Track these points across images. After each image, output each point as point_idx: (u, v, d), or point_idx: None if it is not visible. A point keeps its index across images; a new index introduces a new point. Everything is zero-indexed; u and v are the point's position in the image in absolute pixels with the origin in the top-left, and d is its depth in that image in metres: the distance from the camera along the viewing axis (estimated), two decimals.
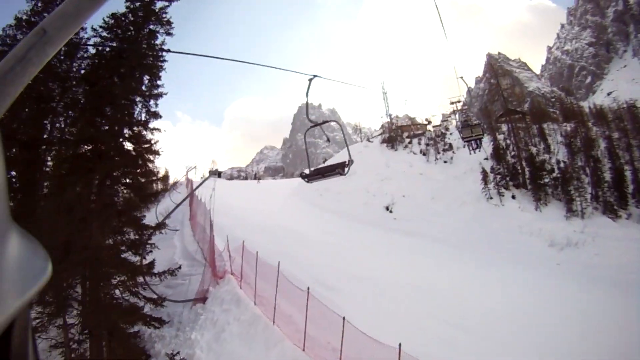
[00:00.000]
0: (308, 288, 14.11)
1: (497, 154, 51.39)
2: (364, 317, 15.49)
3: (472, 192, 44.69)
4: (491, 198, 43.83)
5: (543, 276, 28.89)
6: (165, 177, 52.51)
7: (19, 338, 0.88)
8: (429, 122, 70.76)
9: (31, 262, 0.91)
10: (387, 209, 42.77)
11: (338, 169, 9.71)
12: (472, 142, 52.82)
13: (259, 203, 43.36)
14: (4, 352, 0.84)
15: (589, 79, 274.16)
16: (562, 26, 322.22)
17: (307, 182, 10.68)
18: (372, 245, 31.95)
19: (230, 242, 20.90)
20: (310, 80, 8.48)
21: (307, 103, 9.87)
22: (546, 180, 47.04)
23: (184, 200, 30.28)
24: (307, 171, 10.28)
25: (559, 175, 48.19)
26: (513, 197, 44.59)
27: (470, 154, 52.84)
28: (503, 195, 44.13)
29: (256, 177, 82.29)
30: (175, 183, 46.74)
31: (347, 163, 9.78)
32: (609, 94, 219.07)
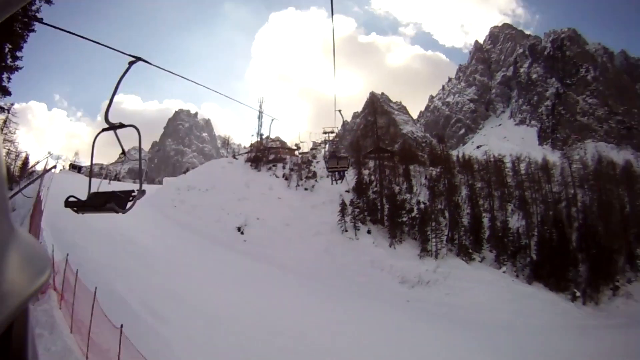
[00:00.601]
0: (121, 326, 12.73)
1: (360, 187, 58.62)
2: (193, 356, 16.28)
3: (328, 223, 49.60)
4: (346, 231, 49.01)
5: (392, 312, 33.31)
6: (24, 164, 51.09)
7: (19, 338, 0.99)
8: (298, 148, 74.69)
9: (31, 262, 1.01)
10: (239, 229, 45.35)
11: (113, 203, 7.56)
12: (337, 173, 56.89)
13: None
14: (3, 352, 0.96)
15: (462, 131, 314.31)
16: (450, 80, 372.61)
17: (75, 212, 8.06)
18: (218, 268, 33.44)
19: (66, 250, 19.45)
20: (131, 63, 7.10)
21: (113, 94, 7.66)
22: (404, 218, 54.04)
23: (15, 193, 28.84)
24: (72, 199, 7.65)
25: (417, 215, 55.51)
26: (369, 231, 50.72)
27: (332, 184, 58.46)
28: (359, 229, 49.66)
29: (107, 177, 77.68)
30: (30, 171, 44.81)
31: (132, 196, 8.01)
32: (478, 146, 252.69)
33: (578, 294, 51.08)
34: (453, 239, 54.83)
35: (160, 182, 70.30)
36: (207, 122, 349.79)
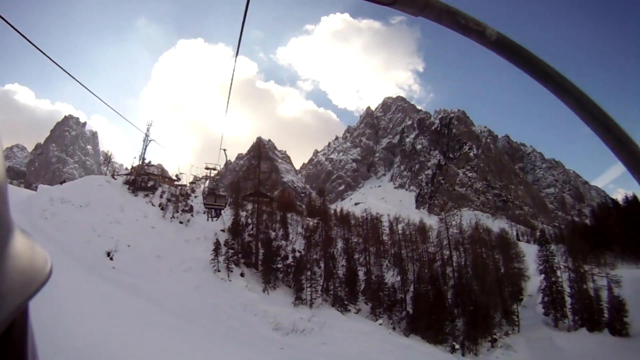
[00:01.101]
0: None
1: (235, 228, 59.26)
2: None
3: (201, 260, 48.82)
4: (219, 271, 48.56)
5: (265, 358, 31.11)
6: None
7: (19, 338, 1.00)
8: (178, 179, 72.45)
9: (31, 262, 1.00)
10: (108, 255, 42.68)
11: None
12: (213, 210, 56.23)
13: None
14: (3, 352, 0.96)
15: (342, 187, 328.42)
16: (337, 138, 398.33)
17: None
18: (78, 294, 30.60)
19: None
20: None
21: None
22: (279, 265, 54.88)
23: None
24: None
25: (292, 263, 56.56)
26: (242, 274, 50.97)
27: (207, 220, 58.24)
28: (232, 271, 49.47)
29: None
30: None
31: None
32: (356, 203, 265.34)
33: (457, 346, 55.19)
34: (328, 290, 56.66)
35: (36, 189, 65.05)
36: (94, 135, 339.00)
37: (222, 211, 61.31)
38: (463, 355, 54.78)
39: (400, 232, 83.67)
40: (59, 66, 7.21)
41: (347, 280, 60.01)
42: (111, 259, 42.71)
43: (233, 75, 7.12)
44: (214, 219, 61.24)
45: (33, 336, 1.06)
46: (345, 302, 55.44)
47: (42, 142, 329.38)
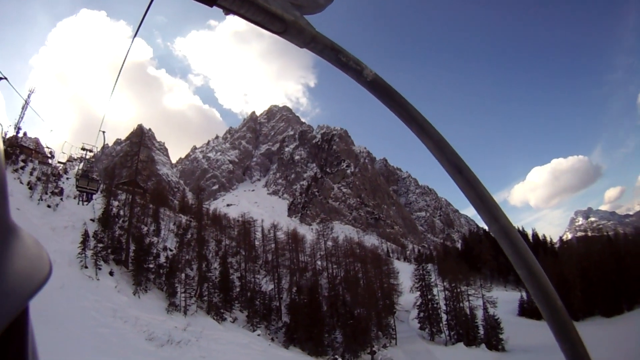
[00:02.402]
0: None
1: (106, 219, 54.36)
2: None
3: (67, 253, 43.57)
4: (86, 267, 43.44)
5: None
6: None
7: (19, 338, 0.96)
8: (52, 156, 65.90)
9: (31, 262, 0.98)
10: None
11: None
12: (85, 194, 52.05)
13: None
14: (3, 352, 0.93)
15: (216, 187, 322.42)
16: (217, 137, 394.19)
17: None
18: None
19: None
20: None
21: None
22: (151, 265, 50.83)
23: None
24: None
25: (165, 263, 53.27)
26: (111, 273, 46.18)
27: (78, 204, 52.72)
28: (100, 268, 44.51)
29: None
30: None
31: None
32: (229, 204, 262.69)
33: (339, 358, 55.31)
34: (202, 295, 53.62)
35: None
36: None
37: (94, 197, 57.53)
38: None
39: (277, 239, 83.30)
40: None
41: (222, 286, 57.98)
42: None
43: (126, 56, 6.57)
44: (85, 203, 57.01)
45: (33, 336, 1.05)
46: (222, 310, 53.14)
47: None
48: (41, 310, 31.85)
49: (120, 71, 7.88)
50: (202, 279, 55.45)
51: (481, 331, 67.98)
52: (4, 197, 0.94)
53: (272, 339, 55.19)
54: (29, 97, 61.51)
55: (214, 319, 50.14)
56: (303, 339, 56.95)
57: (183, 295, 48.46)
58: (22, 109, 62.73)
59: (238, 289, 62.65)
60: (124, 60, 7.00)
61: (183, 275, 52.00)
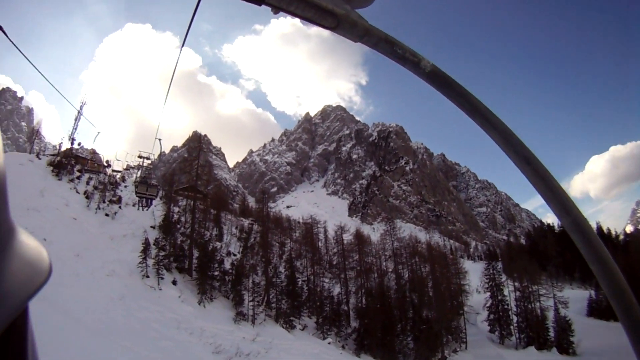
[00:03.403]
0: None
1: (167, 226, 52.12)
2: None
3: (127, 263, 41.24)
4: (148, 277, 40.91)
5: None
6: None
7: (19, 338, 0.96)
8: (108, 165, 65.24)
9: (31, 262, 0.97)
10: None
11: None
12: (145, 199, 50.15)
13: None
14: (3, 352, 0.93)
15: (274, 189, 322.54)
16: (273, 140, 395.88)
17: None
18: None
19: None
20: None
21: None
22: (216, 272, 48.04)
23: None
24: None
25: (230, 270, 50.21)
26: (174, 282, 43.73)
27: (138, 209, 53.42)
28: (162, 278, 42.05)
29: None
30: None
31: None
32: (288, 206, 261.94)
33: None
34: (270, 302, 50.50)
35: None
36: (30, 112, 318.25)
37: (154, 203, 56.32)
38: None
39: (345, 240, 79.78)
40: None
41: (289, 291, 54.38)
42: None
43: (176, 65, 7.21)
44: (145, 208, 55.72)
45: (33, 336, 1.07)
46: (291, 318, 49.84)
47: None
48: (99, 322, 29.77)
49: (171, 80, 8.58)
50: (269, 285, 52.67)
51: (552, 334, 63.27)
52: (4, 198, 0.95)
53: (343, 347, 51.74)
54: (81, 108, 61.58)
55: (283, 327, 47.24)
56: (374, 346, 53.33)
57: (251, 303, 45.64)
58: (75, 120, 62.73)
59: (306, 294, 59.71)
60: (174, 70, 7.53)
61: (250, 281, 49.10)
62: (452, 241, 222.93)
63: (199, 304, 42.00)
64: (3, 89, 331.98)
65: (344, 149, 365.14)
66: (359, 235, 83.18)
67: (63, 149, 61.88)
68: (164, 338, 32.00)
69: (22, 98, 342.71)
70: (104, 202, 51.46)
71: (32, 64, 9.09)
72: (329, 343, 49.42)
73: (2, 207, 0.92)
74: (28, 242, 1.00)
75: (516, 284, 71.90)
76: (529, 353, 59.36)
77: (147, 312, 35.05)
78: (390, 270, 79.33)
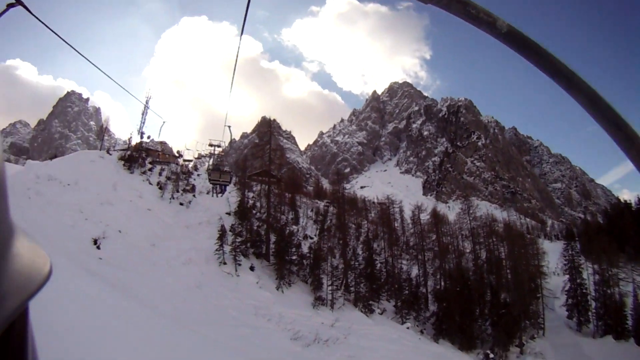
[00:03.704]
0: None
1: (242, 211, 50.72)
2: None
3: (204, 250, 40.76)
4: (225, 263, 40.16)
5: None
6: None
7: (19, 338, 0.97)
8: (180, 155, 65.63)
9: (31, 262, 0.97)
10: (95, 242, 34.79)
11: None
12: (218, 186, 49.48)
13: None
14: (3, 352, 0.93)
15: (347, 170, 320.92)
16: (342, 120, 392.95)
17: None
18: (51, 299, 23.16)
19: None
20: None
21: None
22: (293, 257, 46.51)
23: None
24: None
25: (308, 253, 48.63)
26: (252, 268, 42.44)
27: (212, 196, 53.44)
28: (240, 264, 40.96)
29: None
30: None
31: None
32: (362, 187, 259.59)
33: (492, 355, 48.22)
34: (348, 286, 48.72)
35: None
36: (97, 111, 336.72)
37: (227, 190, 56.09)
38: None
39: (420, 219, 76.82)
40: (62, 39, 7.35)
41: (367, 274, 52.09)
42: (98, 247, 34.93)
43: (238, 53, 7.99)
44: (219, 194, 55.55)
45: (33, 336, 1.08)
46: (370, 302, 47.78)
47: (44, 118, 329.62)
48: (176, 310, 29.26)
49: (234, 68, 9.46)
50: (347, 268, 50.86)
51: (629, 322, 57.14)
52: (4, 197, 0.96)
53: (422, 331, 49.43)
54: (147, 102, 61.93)
55: (361, 311, 45.39)
56: (452, 331, 50.62)
57: (330, 287, 44.00)
58: (142, 114, 63.28)
59: (384, 277, 57.42)
60: (237, 58, 8.05)
61: (328, 265, 47.78)
62: (528, 219, 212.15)
63: (277, 290, 41.02)
64: (68, 92, 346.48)
65: (414, 125, 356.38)
66: (435, 215, 79.75)
67: (133, 143, 62.83)
68: (242, 325, 31.09)
69: (88, 99, 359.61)
70: (177, 191, 51.62)
71: (95, 65, 9.31)
72: (408, 328, 47.35)
73: (2, 207, 0.92)
74: (28, 242, 1.00)
75: (595, 266, 66.26)
76: (606, 343, 54.67)
77: (225, 299, 34.48)
78: (467, 250, 76.11)
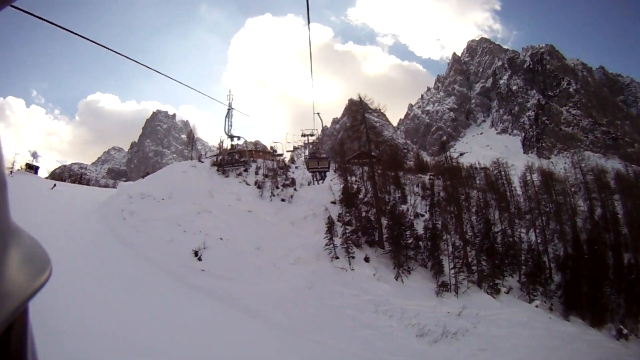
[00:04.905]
0: None
1: (347, 197, 45.62)
2: None
3: (312, 245, 36.51)
4: (337, 258, 35.37)
5: None
6: None
7: (19, 338, 0.96)
8: (274, 151, 63.15)
9: (31, 262, 0.97)
10: (196, 254, 32.16)
11: None
12: (318, 173, 45.74)
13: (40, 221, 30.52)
14: (3, 352, 0.92)
15: (444, 138, 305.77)
16: (429, 89, 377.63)
17: None
18: (158, 323, 20.25)
19: None
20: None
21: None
22: (409, 240, 40.15)
23: None
24: None
25: (423, 234, 42.30)
26: (366, 259, 36.97)
27: (313, 184, 50.22)
28: (353, 256, 35.73)
29: (58, 181, 66.94)
30: None
31: None
32: (461, 154, 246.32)
33: (625, 330, 40.08)
34: (470, 265, 41.47)
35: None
36: (186, 124, 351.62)
37: (328, 177, 52.35)
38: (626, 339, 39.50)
39: (531, 180, 68.44)
40: (142, 64, 7.95)
41: (487, 249, 44.59)
42: (199, 259, 32.30)
43: (310, 42, 8.20)
44: (320, 181, 51.95)
45: (33, 336, 1.06)
46: (495, 281, 40.57)
47: (136, 141, 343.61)
48: (287, 318, 25.77)
49: (310, 56, 10.34)
50: (465, 245, 43.95)
51: None
52: (4, 198, 0.93)
53: (550, 308, 41.44)
54: (230, 105, 60.08)
55: (487, 293, 38.65)
56: (581, 304, 42.55)
57: (452, 270, 37.44)
58: (227, 117, 61.31)
59: (502, 249, 48.66)
60: (310, 45, 9.28)
61: (447, 244, 41.22)
62: (633, 166, 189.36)
63: (396, 280, 35.40)
64: (154, 112, 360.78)
65: (501, 82, 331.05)
66: (544, 174, 71.17)
67: (224, 147, 61.54)
68: (362, 326, 26.91)
69: (174, 115, 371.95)
70: (277, 187, 48.36)
71: (178, 81, 10.29)
72: (537, 306, 39.93)
73: (2, 207, 0.90)
74: (28, 242, 1.00)
75: None
76: None
77: (341, 298, 30.09)
78: (581, 208, 67.14)
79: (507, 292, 40.68)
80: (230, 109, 57.71)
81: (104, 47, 5.98)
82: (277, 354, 21.41)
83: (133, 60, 7.13)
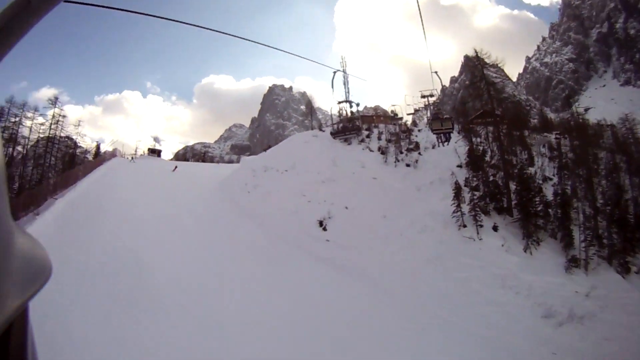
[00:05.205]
0: None
1: (473, 159, 42.73)
2: None
3: (439, 213, 34.37)
4: (464, 226, 33.08)
5: None
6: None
7: (19, 338, 0.96)
8: (395, 115, 62.04)
9: (31, 262, 0.98)
10: (321, 224, 32.59)
11: None
12: (442, 135, 44.63)
13: (164, 198, 34.30)
14: (3, 352, 0.92)
15: (566, 93, 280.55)
16: (544, 39, 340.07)
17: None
18: (288, 299, 21.02)
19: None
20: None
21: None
22: (539, 208, 36.38)
23: None
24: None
25: (553, 201, 37.98)
26: (495, 228, 34.18)
27: (438, 146, 48.23)
28: (481, 225, 33.15)
29: (178, 163, 72.26)
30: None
31: None
32: (586, 109, 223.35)
33: None
34: (601, 238, 35.98)
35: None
36: (303, 95, 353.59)
37: (453, 138, 50.42)
38: None
39: None
40: (252, 41, 11.37)
41: (617, 219, 38.04)
42: (324, 229, 32.12)
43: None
44: (445, 143, 50.07)
45: (33, 336, 1.06)
46: (626, 258, 34.30)
47: (256, 116, 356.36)
48: (414, 290, 25.41)
49: (420, 15, 20.98)
50: (597, 215, 38.08)
51: None
52: (3, 197, 0.94)
53: None
54: (344, 71, 59.61)
55: (617, 271, 33.05)
56: None
57: (583, 243, 32.93)
58: (344, 84, 60.65)
59: (633, 220, 39.97)
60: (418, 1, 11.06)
61: (578, 213, 36.50)
62: None
63: (525, 251, 32.35)
64: (270, 87, 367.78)
65: (617, 26, 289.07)
66: None
67: (343, 114, 60.41)
68: (485, 302, 25.10)
69: (290, 87, 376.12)
70: (401, 152, 46.64)
71: (290, 53, 14.42)
72: None
73: (2, 207, 0.90)
74: (28, 242, 1.00)
75: None
76: None
77: (467, 270, 28.21)
78: None
79: (638, 272, 36.16)
80: (345, 73, 57.43)
81: (213, 30, 6.15)
82: (405, 327, 21.21)
83: (243, 38, 7.56)
